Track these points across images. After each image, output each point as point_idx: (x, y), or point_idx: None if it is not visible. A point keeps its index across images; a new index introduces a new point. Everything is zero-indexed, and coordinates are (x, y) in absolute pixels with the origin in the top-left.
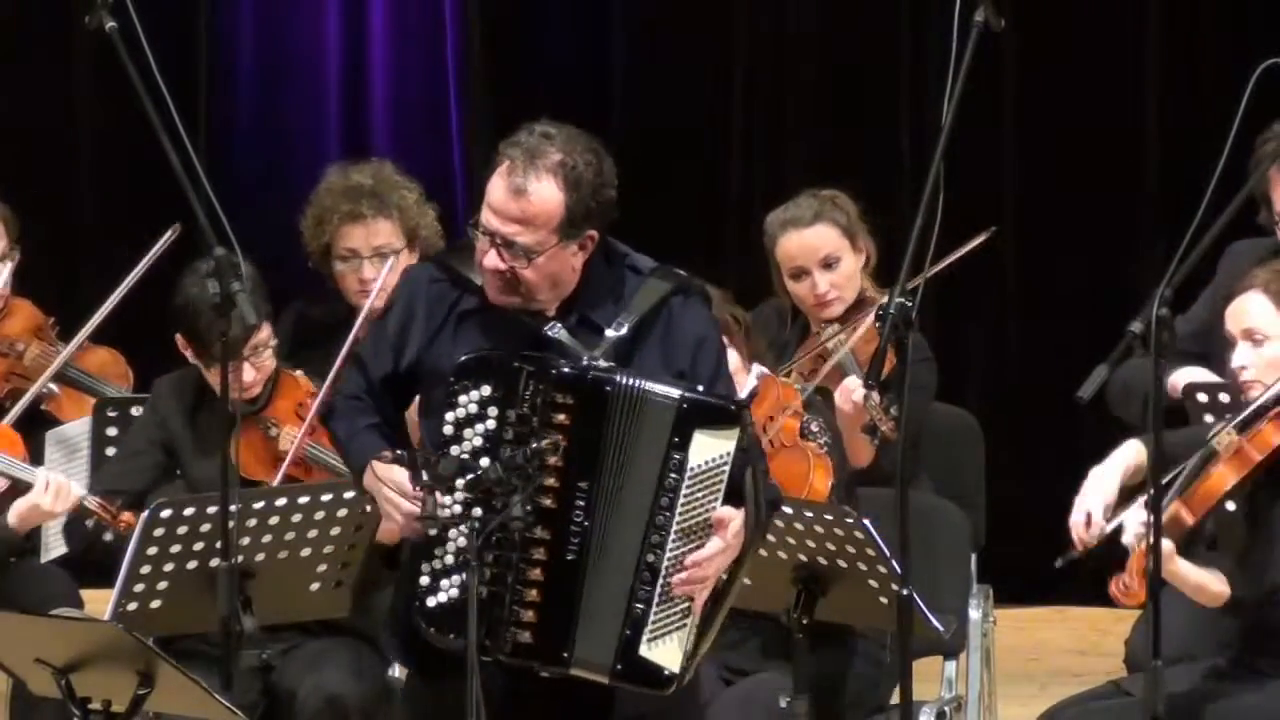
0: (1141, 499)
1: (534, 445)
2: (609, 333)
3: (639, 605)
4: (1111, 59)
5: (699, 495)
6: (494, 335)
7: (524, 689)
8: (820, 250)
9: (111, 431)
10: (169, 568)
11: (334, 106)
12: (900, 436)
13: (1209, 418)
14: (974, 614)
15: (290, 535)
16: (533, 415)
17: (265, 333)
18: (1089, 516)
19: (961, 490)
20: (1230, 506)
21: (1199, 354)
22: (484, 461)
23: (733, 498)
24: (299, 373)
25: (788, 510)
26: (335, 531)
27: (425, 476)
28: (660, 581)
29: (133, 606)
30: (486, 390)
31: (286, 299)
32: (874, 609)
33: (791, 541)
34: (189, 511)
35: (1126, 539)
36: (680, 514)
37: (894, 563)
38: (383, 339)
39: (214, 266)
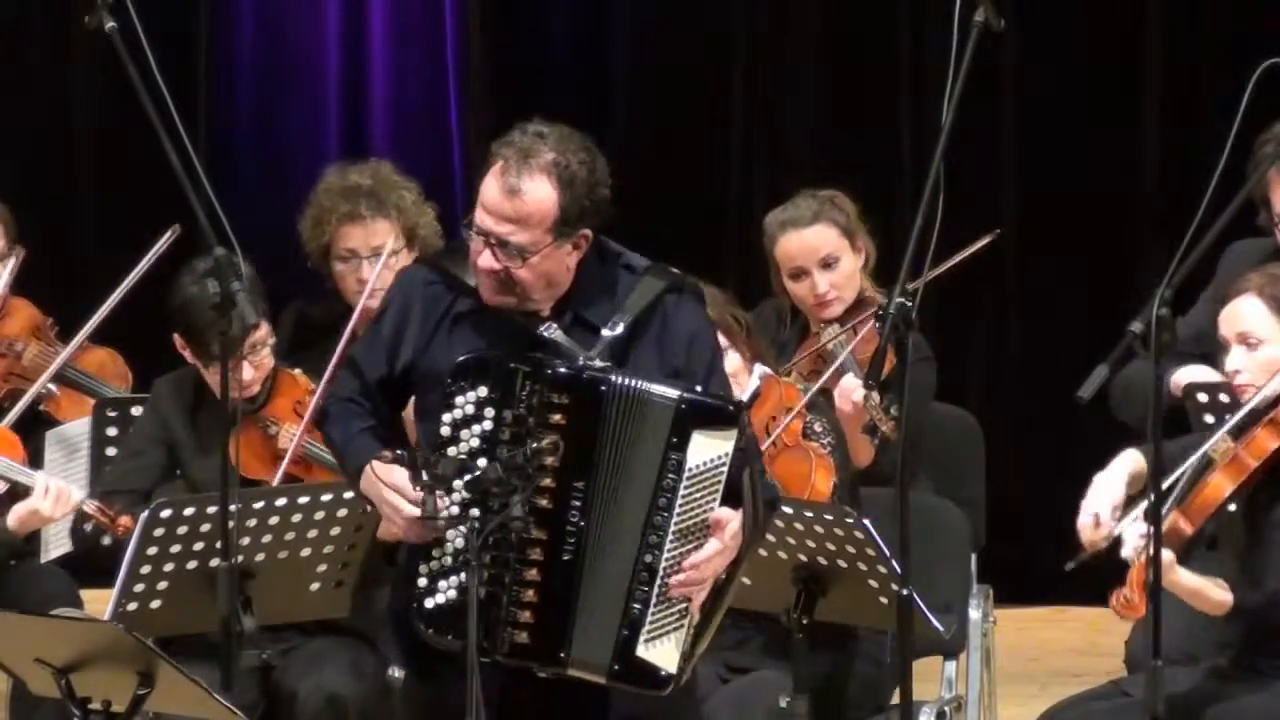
0: (1139, 509)
1: (534, 445)
2: (605, 332)
3: (636, 605)
4: (1111, 59)
5: (697, 496)
6: (489, 336)
7: (521, 689)
8: (819, 250)
9: (111, 431)
10: (169, 568)
11: (334, 106)
12: (900, 436)
13: (1209, 418)
14: (974, 614)
15: (290, 535)
16: (529, 416)
17: (263, 331)
18: (1096, 518)
19: (961, 490)
20: (1231, 506)
21: (1200, 356)
22: (481, 462)
23: (731, 498)
24: (297, 371)
25: (788, 510)
26: (335, 531)
27: (425, 477)
28: (658, 582)
29: (133, 606)
30: (483, 391)
31: (286, 299)
32: (874, 609)
33: (791, 541)
34: (189, 511)
35: (1126, 552)
36: (678, 514)
37: (894, 563)
38: (377, 342)
39: (214, 266)
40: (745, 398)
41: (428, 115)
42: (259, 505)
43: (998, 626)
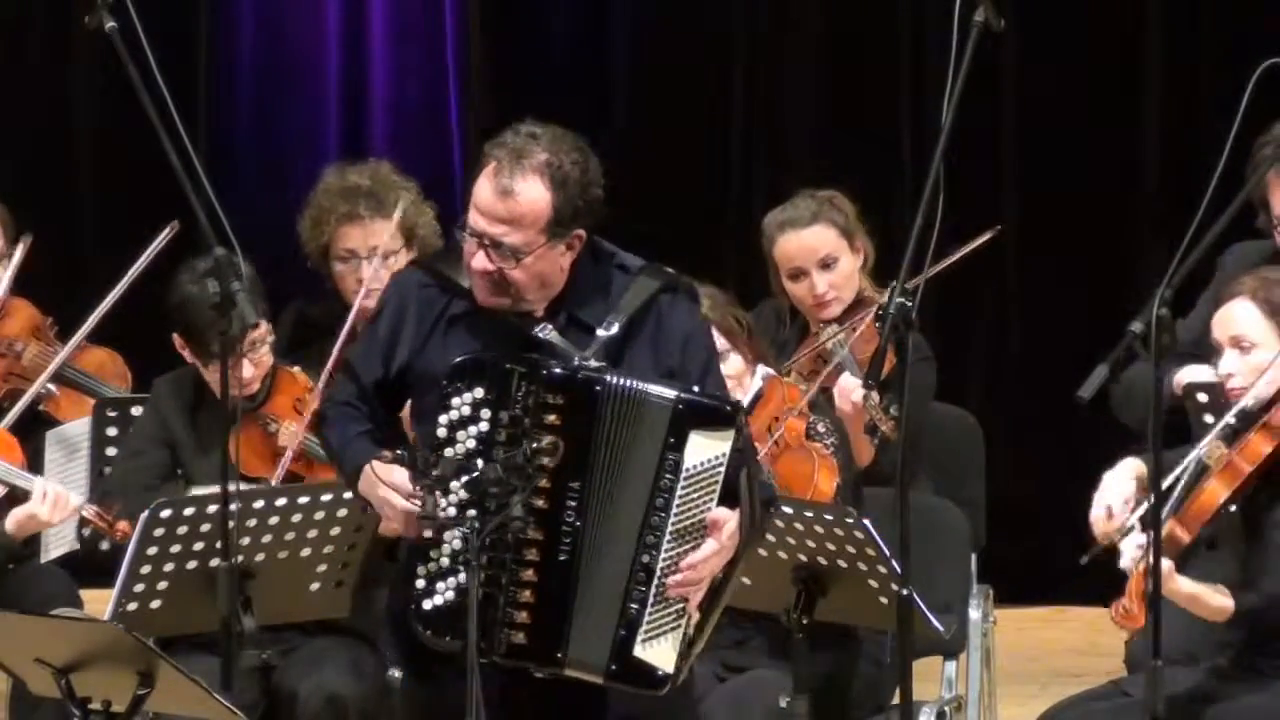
0: (1139, 515)
1: (534, 445)
2: (600, 332)
3: (633, 606)
4: (1111, 59)
5: (694, 496)
6: (484, 338)
7: (520, 689)
8: (818, 251)
9: (111, 432)
10: (169, 568)
11: (334, 106)
12: (900, 436)
13: (1209, 418)
14: (974, 614)
15: (290, 535)
16: (525, 417)
17: (263, 328)
18: (1109, 510)
19: (961, 490)
20: (1232, 507)
21: (1201, 358)
22: (479, 463)
23: (728, 499)
24: (296, 368)
25: (788, 510)
26: (335, 531)
27: (425, 476)
28: (655, 582)
29: (133, 606)
30: (479, 392)
31: (286, 299)
32: (874, 609)
33: (791, 541)
34: (189, 511)
35: (1124, 563)
36: (675, 515)
37: (894, 563)
38: (373, 345)
39: (214, 266)
40: (748, 399)
41: (428, 115)
42: (259, 505)
43: (998, 626)
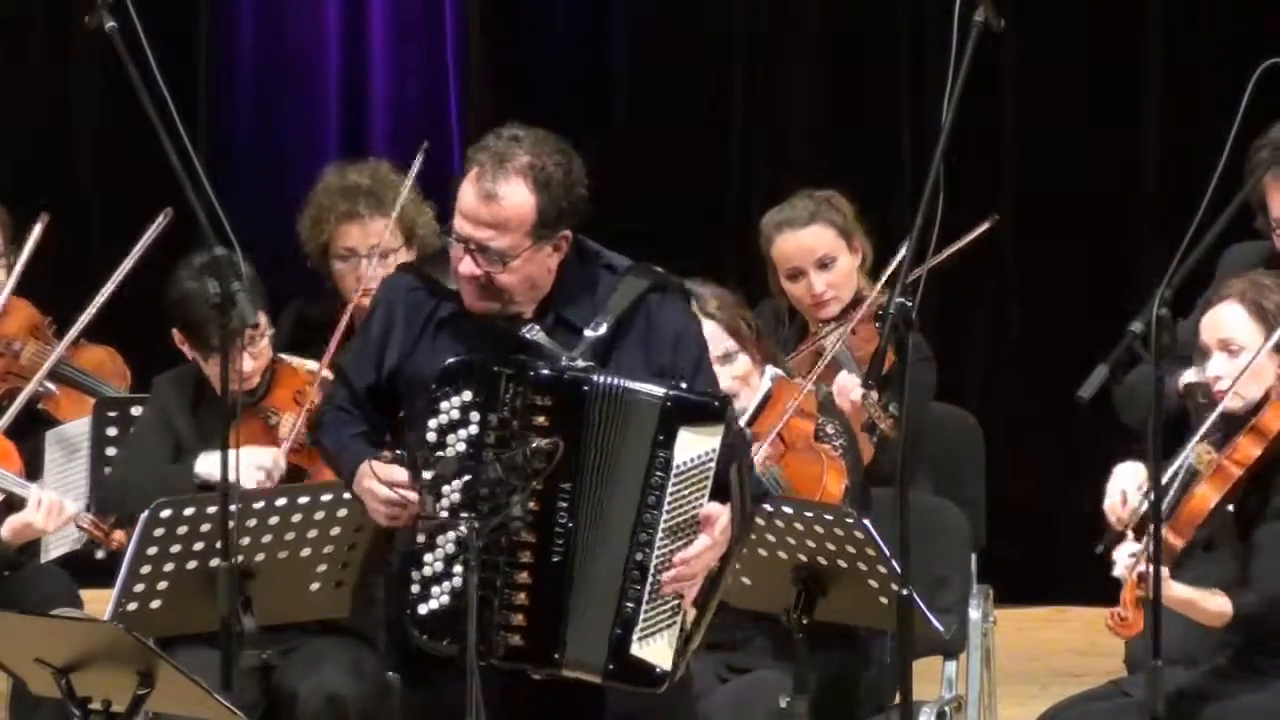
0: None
1: (534, 445)
2: (587, 333)
3: (629, 604)
4: (1111, 59)
5: (685, 493)
6: (472, 340)
7: (519, 690)
8: (816, 251)
9: (111, 431)
10: (169, 568)
11: (333, 106)
12: (901, 437)
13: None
14: (974, 614)
15: (290, 535)
16: (514, 419)
17: (262, 322)
18: (1124, 495)
19: (961, 490)
20: (1229, 507)
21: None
22: (476, 464)
23: (719, 494)
24: (294, 360)
25: (787, 510)
26: (335, 531)
27: (425, 476)
28: (649, 580)
29: (133, 606)
30: (468, 396)
31: (285, 299)
32: (874, 609)
33: (791, 541)
34: (189, 511)
35: (1118, 571)
36: (667, 512)
37: (894, 563)
38: (364, 349)
39: (213, 265)
40: (756, 400)
41: (428, 115)
42: (259, 505)
43: (998, 626)
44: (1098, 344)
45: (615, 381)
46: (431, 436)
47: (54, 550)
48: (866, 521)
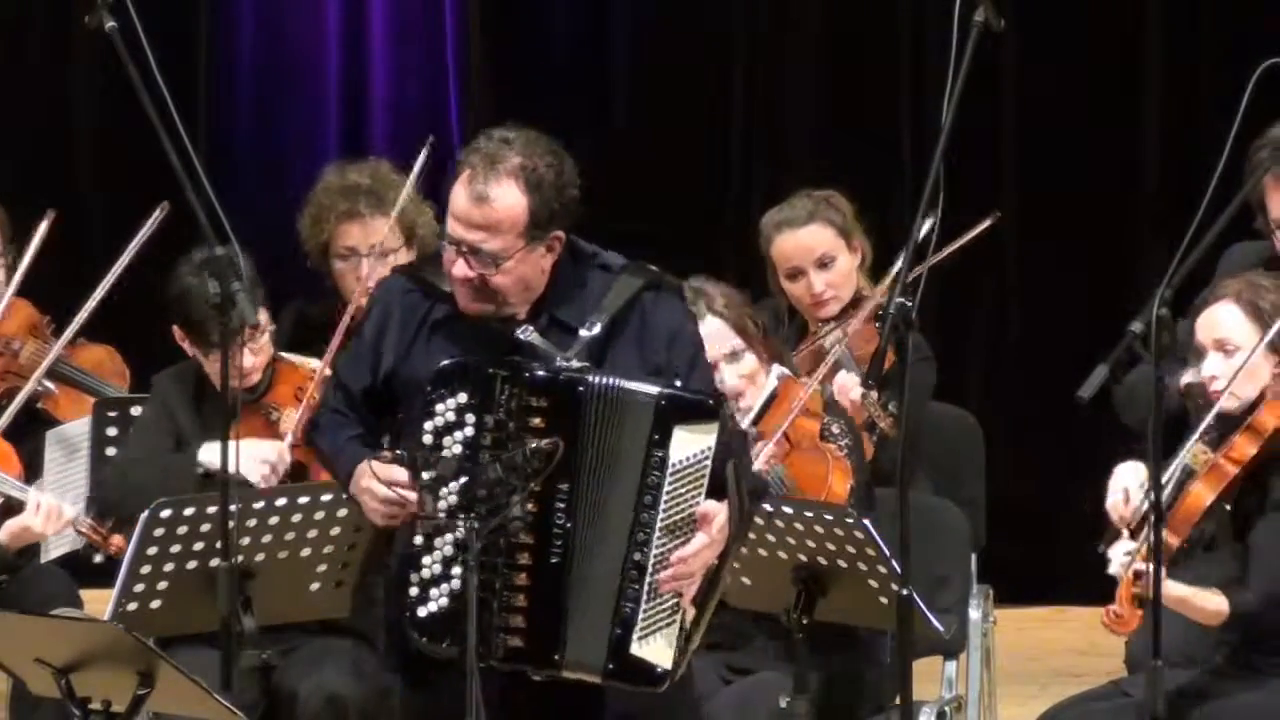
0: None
1: (534, 445)
2: (582, 332)
3: (628, 604)
4: (1111, 59)
5: (682, 491)
6: (467, 342)
7: (519, 691)
8: (815, 250)
9: (111, 431)
10: (169, 568)
11: (333, 106)
12: (901, 436)
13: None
14: (974, 614)
15: (290, 535)
16: (509, 420)
17: (263, 318)
18: (1127, 493)
19: (961, 490)
20: (1225, 506)
21: None
22: (475, 464)
23: (716, 492)
24: (296, 358)
25: (787, 510)
26: (335, 531)
27: (426, 476)
28: (647, 579)
29: (133, 606)
30: (463, 398)
31: (285, 299)
32: (874, 609)
33: (791, 541)
34: (189, 511)
35: (1113, 569)
36: (664, 511)
37: (894, 563)
38: (359, 353)
39: (213, 264)
40: (762, 399)
41: (428, 115)
42: (259, 505)
43: (998, 626)
44: (1098, 344)
45: (610, 381)
46: (428, 439)
47: (54, 550)
48: (866, 521)
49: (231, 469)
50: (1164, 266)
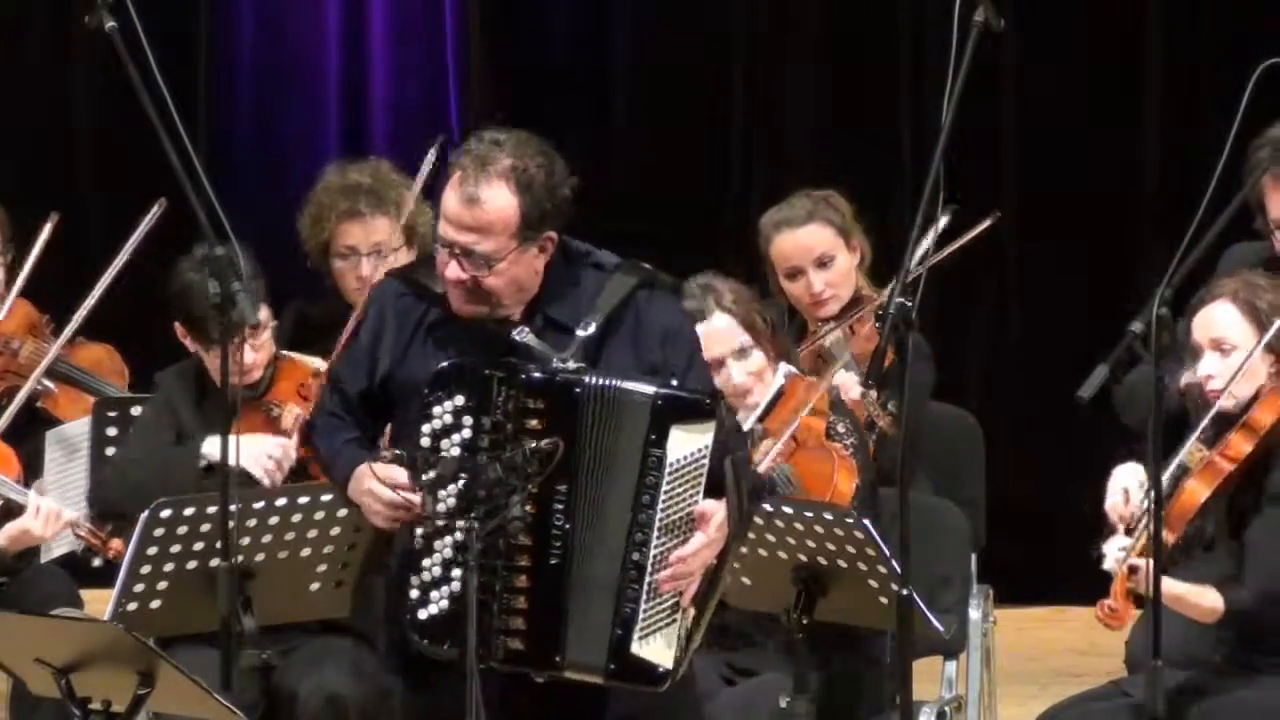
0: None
1: (534, 445)
2: (578, 333)
3: (628, 604)
4: (1111, 59)
5: (680, 490)
6: (463, 345)
7: (520, 693)
8: (814, 250)
9: (111, 431)
10: (169, 568)
11: (333, 106)
12: (901, 436)
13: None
14: (974, 614)
15: (290, 535)
16: (507, 422)
17: (264, 315)
18: (1126, 494)
19: (961, 490)
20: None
21: None
22: (475, 465)
23: (714, 491)
24: (298, 356)
25: (787, 510)
26: (335, 531)
27: (425, 476)
28: (647, 579)
29: (133, 606)
30: (460, 400)
31: (285, 299)
32: (874, 609)
33: (791, 541)
34: (189, 511)
35: (1108, 564)
36: (662, 510)
37: (894, 563)
38: (355, 356)
39: (213, 264)
40: (768, 397)
41: (428, 115)
42: (259, 505)
43: (998, 626)
44: (1098, 344)
45: (607, 382)
46: (425, 441)
47: (54, 550)
48: (866, 521)
49: (233, 464)
50: (1164, 266)
